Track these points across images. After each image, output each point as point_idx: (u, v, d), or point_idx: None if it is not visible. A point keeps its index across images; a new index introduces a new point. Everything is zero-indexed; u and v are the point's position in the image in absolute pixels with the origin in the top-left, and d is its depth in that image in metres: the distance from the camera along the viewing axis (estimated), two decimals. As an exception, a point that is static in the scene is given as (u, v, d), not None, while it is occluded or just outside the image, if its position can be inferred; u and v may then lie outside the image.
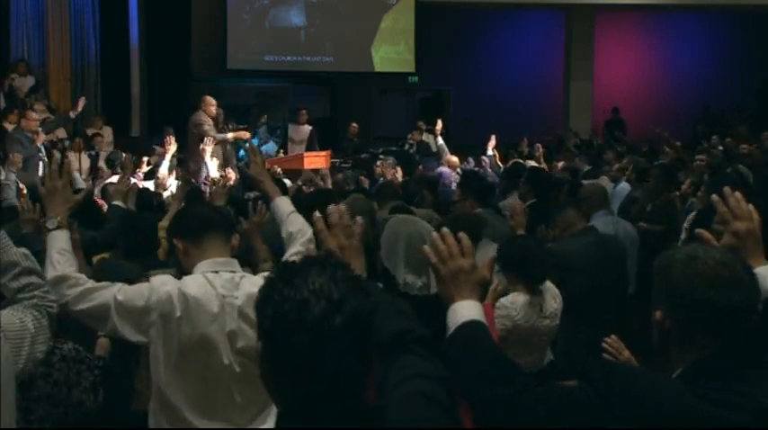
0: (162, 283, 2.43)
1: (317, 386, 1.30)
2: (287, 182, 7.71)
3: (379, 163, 8.76)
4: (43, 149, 8.44)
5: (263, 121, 11.80)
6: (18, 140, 8.18)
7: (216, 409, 2.40)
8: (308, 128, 11.58)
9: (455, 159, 9.11)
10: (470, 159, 9.54)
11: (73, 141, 10.38)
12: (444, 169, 8.79)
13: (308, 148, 11.14)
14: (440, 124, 10.00)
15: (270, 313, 1.31)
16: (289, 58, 14.20)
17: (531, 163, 8.66)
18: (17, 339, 2.06)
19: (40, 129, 8.47)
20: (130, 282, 2.55)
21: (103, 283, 2.47)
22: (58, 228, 2.53)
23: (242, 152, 10.39)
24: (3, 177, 7.22)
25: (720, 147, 11.08)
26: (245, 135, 9.46)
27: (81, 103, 9.45)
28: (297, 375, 1.30)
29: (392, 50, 14.44)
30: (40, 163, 8.22)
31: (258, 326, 1.35)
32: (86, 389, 2.58)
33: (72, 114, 9.61)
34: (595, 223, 5.01)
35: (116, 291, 2.41)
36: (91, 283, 2.44)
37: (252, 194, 6.95)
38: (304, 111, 11.74)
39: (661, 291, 1.65)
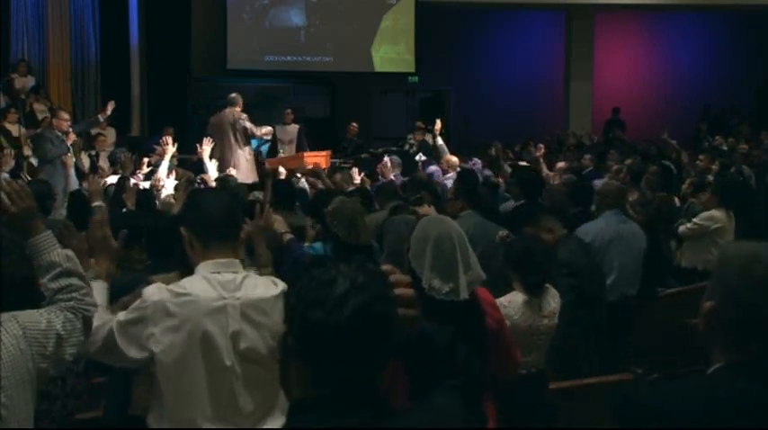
0: (152, 293, 2.39)
1: (332, 369, 1.34)
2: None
3: (384, 161, 8.72)
4: (72, 149, 8.55)
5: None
6: (49, 140, 8.33)
7: (218, 412, 2.39)
8: (295, 127, 11.56)
9: (455, 159, 9.07)
10: (475, 159, 9.49)
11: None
12: (434, 168, 8.75)
13: (298, 148, 11.14)
14: (438, 124, 9.91)
15: (296, 292, 1.38)
16: (289, 58, 14.20)
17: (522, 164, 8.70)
18: (41, 338, 2.05)
19: (70, 129, 8.57)
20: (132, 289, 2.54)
21: (105, 318, 2.42)
22: (96, 277, 2.50)
23: (254, 143, 10.61)
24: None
25: (725, 147, 11.11)
26: (269, 131, 9.96)
27: (110, 106, 9.53)
28: (312, 356, 1.34)
29: (392, 50, 14.43)
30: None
31: (286, 310, 1.41)
32: (79, 374, 2.57)
33: (101, 117, 9.70)
34: (604, 221, 5.05)
35: (116, 320, 2.38)
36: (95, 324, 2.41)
37: (258, 194, 6.97)
38: (289, 111, 11.73)
39: (715, 285, 1.62)
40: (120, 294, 2.99)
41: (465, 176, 5.80)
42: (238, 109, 9.46)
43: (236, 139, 9.30)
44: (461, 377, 1.61)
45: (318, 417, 1.33)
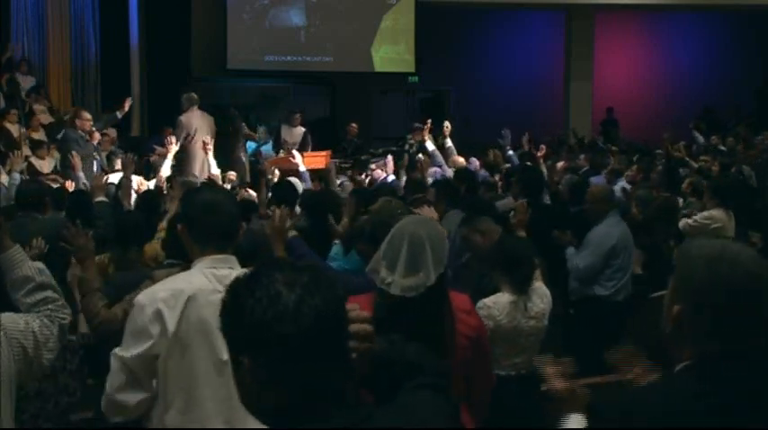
0: (146, 299, 2.38)
1: (307, 379, 1.32)
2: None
3: (388, 160, 8.70)
4: (98, 149, 8.57)
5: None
6: (74, 140, 8.37)
7: (219, 409, 2.39)
8: (301, 130, 11.51)
9: (461, 160, 9.02)
10: (472, 159, 9.46)
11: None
12: (436, 169, 8.73)
13: (301, 150, 11.12)
14: (448, 126, 9.56)
15: (248, 318, 1.32)
16: (289, 58, 14.19)
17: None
18: (21, 339, 2.08)
19: (93, 129, 8.58)
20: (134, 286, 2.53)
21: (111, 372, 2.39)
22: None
23: (251, 146, 10.59)
24: (4, 178, 7.25)
25: (722, 147, 11.11)
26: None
27: (127, 103, 9.53)
28: (284, 373, 1.31)
29: (392, 50, 14.43)
30: (95, 162, 8.36)
31: (231, 338, 1.36)
32: (72, 372, 2.58)
33: (119, 114, 9.67)
34: (610, 222, 5.08)
35: (115, 358, 2.35)
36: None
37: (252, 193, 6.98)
38: (298, 115, 11.56)
39: (680, 286, 1.61)
40: (123, 292, 2.99)
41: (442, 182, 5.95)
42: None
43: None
44: (427, 377, 1.59)
45: (296, 421, 1.32)
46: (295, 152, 8.82)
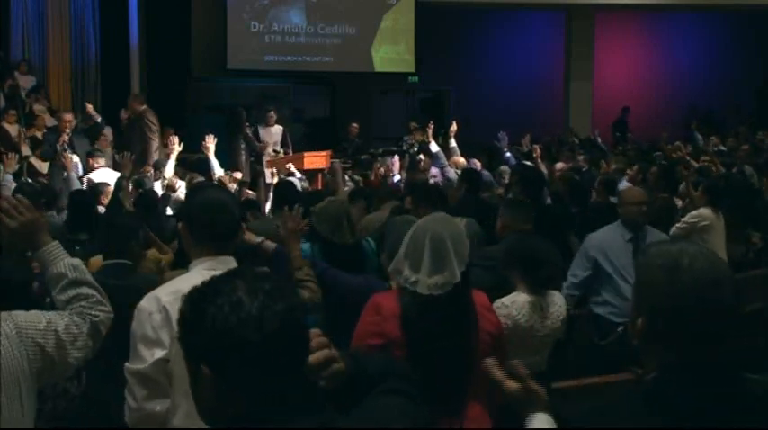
0: (150, 304, 2.37)
1: (268, 385, 1.32)
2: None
3: (394, 160, 8.70)
4: (69, 150, 8.62)
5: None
6: (48, 141, 8.41)
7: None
8: (279, 128, 11.44)
9: (462, 160, 9.00)
10: (473, 160, 9.45)
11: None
12: (435, 170, 8.73)
13: (282, 148, 11.14)
14: (454, 126, 9.51)
15: (209, 325, 1.32)
16: (289, 58, 14.19)
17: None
18: (39, 338, 2.04)
19: (66, 130, 8.62)
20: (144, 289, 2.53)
21: (129, 388, 2.37)
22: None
23: None
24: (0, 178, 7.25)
25: (722, 148, 11.11)
26: None
27: (89, 107, 9.64)
28: (245, 380, 1.31)
29: (392, 50, 14.43)
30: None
31: (191, 347, 1.37)
32: (70, 378, 2.56)
33: (97, 118, 9.78)
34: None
35: (130, 373, 2.34)
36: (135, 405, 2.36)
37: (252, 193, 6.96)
38: (272, 113, 11.50)
39: (642, 298, 1.58)
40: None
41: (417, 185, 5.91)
42: None
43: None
44: (396, 381, 1.58)
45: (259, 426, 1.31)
46: (292, 168, 8.77)
